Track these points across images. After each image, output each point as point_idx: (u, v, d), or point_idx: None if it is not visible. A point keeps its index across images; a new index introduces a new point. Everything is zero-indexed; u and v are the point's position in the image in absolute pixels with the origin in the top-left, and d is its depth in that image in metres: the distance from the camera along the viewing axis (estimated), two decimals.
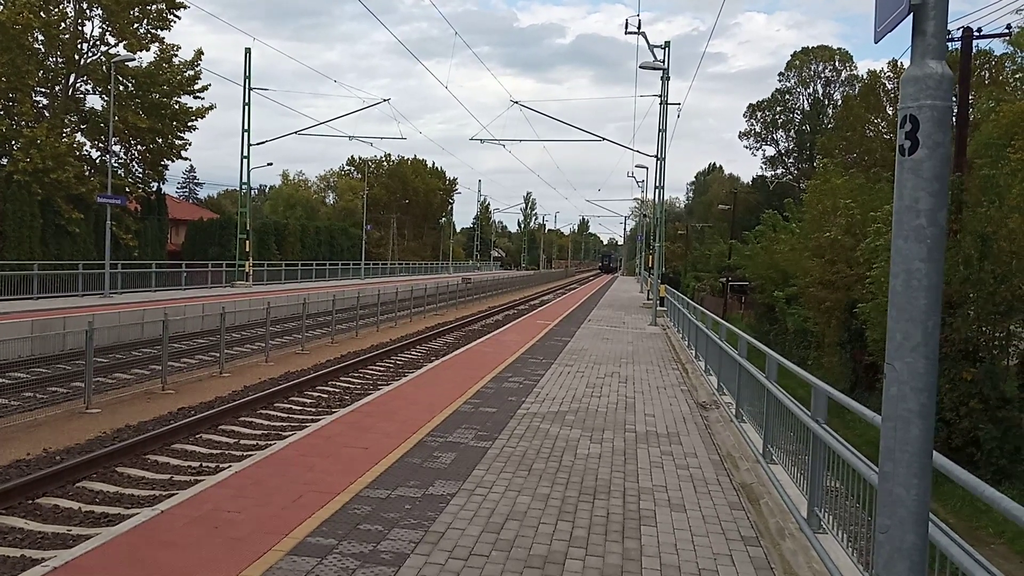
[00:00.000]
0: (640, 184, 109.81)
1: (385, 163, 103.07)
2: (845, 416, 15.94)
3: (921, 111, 2.76)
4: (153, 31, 42.81)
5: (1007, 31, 24.56)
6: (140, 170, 46.42)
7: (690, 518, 6.95)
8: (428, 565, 5.62)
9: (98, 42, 41.99)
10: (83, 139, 42.99)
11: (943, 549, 3.74)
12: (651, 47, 31.48)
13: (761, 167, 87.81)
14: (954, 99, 22.11)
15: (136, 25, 41.75)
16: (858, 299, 20.98)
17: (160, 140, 44.60)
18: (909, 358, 2.80)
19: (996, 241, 16.70)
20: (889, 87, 57.25)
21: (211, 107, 46.22)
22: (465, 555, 5.85)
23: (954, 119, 21.28)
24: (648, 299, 42.08)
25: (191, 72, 44.64)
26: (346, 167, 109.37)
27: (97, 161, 42.95)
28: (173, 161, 47.05)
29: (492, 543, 6.12)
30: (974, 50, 24.35)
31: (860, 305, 20.06)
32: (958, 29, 20.94)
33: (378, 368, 20.12)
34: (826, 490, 6.08)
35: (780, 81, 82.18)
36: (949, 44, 21.54)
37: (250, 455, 9.12)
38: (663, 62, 31.43)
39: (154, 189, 47.80)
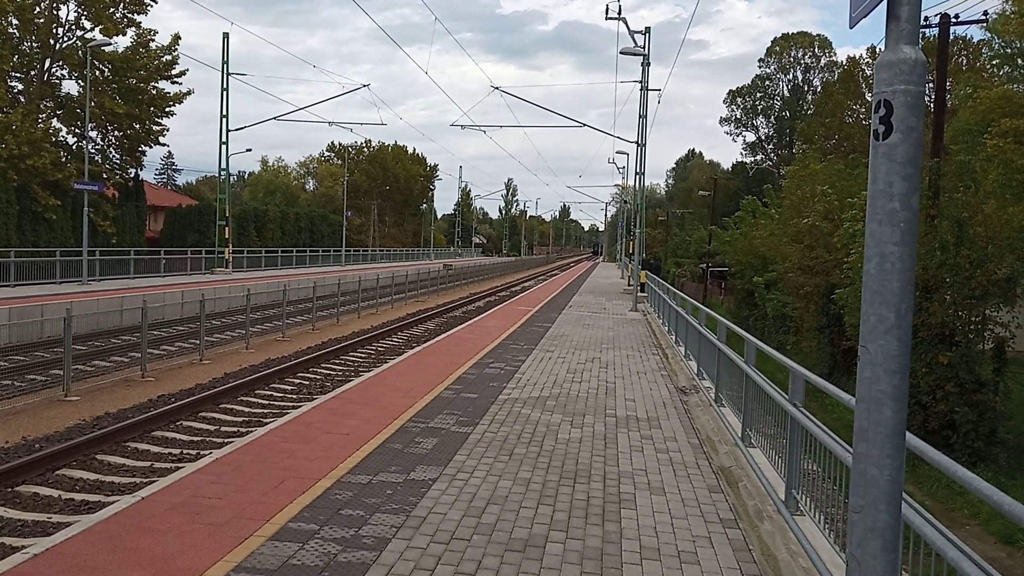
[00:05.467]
0: (621, 170, 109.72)
1: (365, 149, 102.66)
2: (823, 400, 16.12)
3: (895, 96, 2.78)
4: (129, 15, 42.34)
5: (984, 18, 24.72)
6: (117, 156, 45.99)
7: (670, 501, 7.01)
8: (410, 549, 5.65)
9: (73, 26, 41.51)
10: (59, 125, 42.54)
11: (917, 529, 3.80)
12: (631, 33, 31.46)
13: (741, 153, 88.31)
14: (931, 85, 22.27)
15: (112, 9, 41.24)
16: (836, 284, 21.14)
17: (137, 126, 44.18)
18: (883, 340, 2.84)
19: (972, 226, 16.85)
20: (868, 73, 57.50)
21: (189, 92, 45.90)
22: (447, 539, 5.88)
23: (931, 105, 21.43)
24: (629, 285, 42.22)
25: (168, 57, 44.23)
26: (326, 153, 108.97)
27: (74, 147, 42.49)
28: (151, 147, 46.69)
29: (473, 527, 6.15)
30: (951, 36, 24.48)
31: (838, 290, 20.21)
32: (936, 15, 21.05)
33: (359, 355, 20.10)
34: (803, 472, 6.15)
35: (760, 67, 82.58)
36: (927, 31, 21.68)
37: (231, 442, 9.10)
38: (643, 48, 31.41)
39: (132, 175, 47.38)
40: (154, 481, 7.66)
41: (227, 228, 42.87)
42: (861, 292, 2.94)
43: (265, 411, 13.53)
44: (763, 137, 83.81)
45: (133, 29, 42.73)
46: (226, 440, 11.10)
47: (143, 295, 23.11)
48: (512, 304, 31.37)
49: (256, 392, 14.90)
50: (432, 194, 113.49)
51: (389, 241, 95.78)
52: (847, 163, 33.13)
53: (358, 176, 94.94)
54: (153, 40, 43.57)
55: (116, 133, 44.43)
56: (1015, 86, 26.39)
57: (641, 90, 33.54)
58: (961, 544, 3.52)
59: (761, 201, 39.44)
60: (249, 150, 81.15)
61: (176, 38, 44.58)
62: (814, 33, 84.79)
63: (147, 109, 43.92)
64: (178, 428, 12.23)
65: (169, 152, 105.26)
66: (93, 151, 41.44)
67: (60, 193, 38.88)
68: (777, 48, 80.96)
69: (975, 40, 44.78)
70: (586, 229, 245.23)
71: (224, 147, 42.82)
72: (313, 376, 16.83)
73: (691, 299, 17.49)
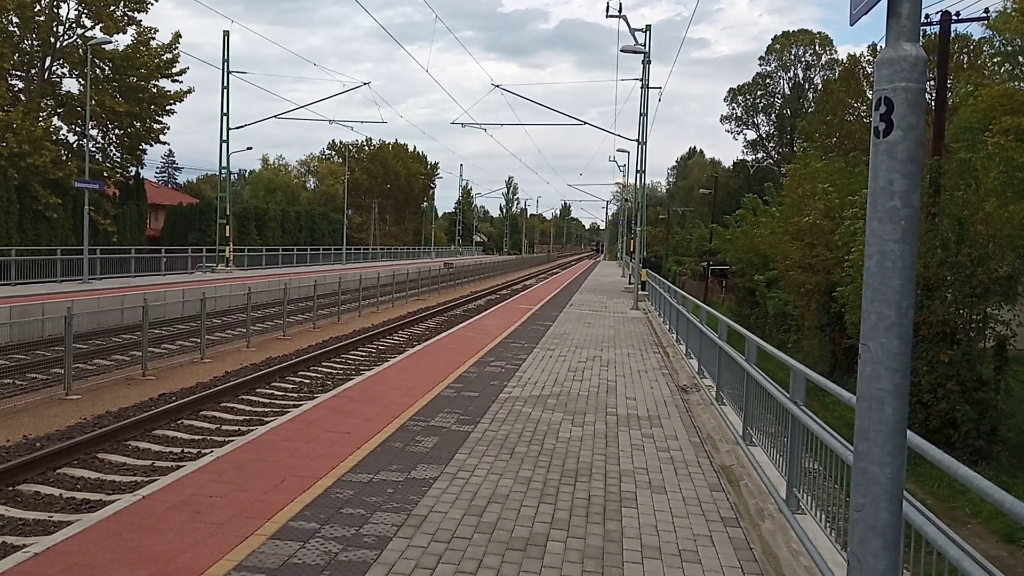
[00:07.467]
0: (622, 168, 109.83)
1: (366, 147, 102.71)
2: (825, 398, 16.10)
3: (895, 93, 2.78)
4: (130, 13, 42.35)
5: (985, 15, 24.69)
6: (118, 154, 46.04)
7: (671, 500, 7.01)
8: (411, 548, 5.64)
9: (74, 24, 41.57)
10: (60, 123, 42.60)
11: (918, 527, 3.79)
12: (632, 31, 31.43)
13: (742, 151, 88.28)
14: (932, 83, 22.24)
15: (112, 7, 41.26)
16: (837, 282, 21.12)
17: (138, 124, 44.23)
18: (883, 338, 2.83)
19: (973, 224, 16.83)
20: (869, 71, 57.43)
21: (189, 91, 45.95)
22: (448, 538, 5.87)
23: (932, 103, 21.41)
24: (630, 283, 42.21)
25: (169, 55, 44.25)
26: (327, 151, 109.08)
27: (74, 145, 42.54)
28: (151, 145, 46.78)
29: (474, 526, 6.15)
30: (952, 34, 24.45)
31: (839, 288, 20.19)
32: (936, 13, 21.03)
33: (360, 353, 20.09)
34: (805, 471, 6.14)
35: (761, 65, 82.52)
36: (928, 28, 21.66)
37: (232, 440, 9.10)
38: (644, 46, 31.39)
39: (132, 174, 47.46)
40: (155, 480, 7.66)
41: (228, 227, 42.85)
42: (862, 290, 2.94)
43: (266, 410, 13.53)
44: (764, 135, 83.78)
45: (133, 27, 42.82)
46: (227, 439, 11.10)
47: (144, 294, 23.12)
48: (513, 302, 31.37)
49: (257, 391, 14.90)
50: (433, 192, 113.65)
51: (390, 239, 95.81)
52: (848, 161, 33.11)
53: (359, 174, 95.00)
54: (154, 38, 43.66)
55: (117, 131, 44.49)
56: (1016, 84, 26.37)
57: (642, 88, 33.55)
58: (962, 543, 3.52)
59: (762, 199, 39.42)
60: (250, 148, 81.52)
61: (177, 36, 44.64)
62: (815, 31, 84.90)
63: (148, 107, 43.95)
64: (179, 427, 12.23)
65: (170, 150, 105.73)
66: (94, 149, 41.49)
67: (61, 191, 38.93)
68: (778, 46, 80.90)
69: (976, 38, 44.75)
70: (587, 227, 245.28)
71: (225, 145, 42.80)
72: (314, 375, 16.84)
73: (692, 297, 17.47)
